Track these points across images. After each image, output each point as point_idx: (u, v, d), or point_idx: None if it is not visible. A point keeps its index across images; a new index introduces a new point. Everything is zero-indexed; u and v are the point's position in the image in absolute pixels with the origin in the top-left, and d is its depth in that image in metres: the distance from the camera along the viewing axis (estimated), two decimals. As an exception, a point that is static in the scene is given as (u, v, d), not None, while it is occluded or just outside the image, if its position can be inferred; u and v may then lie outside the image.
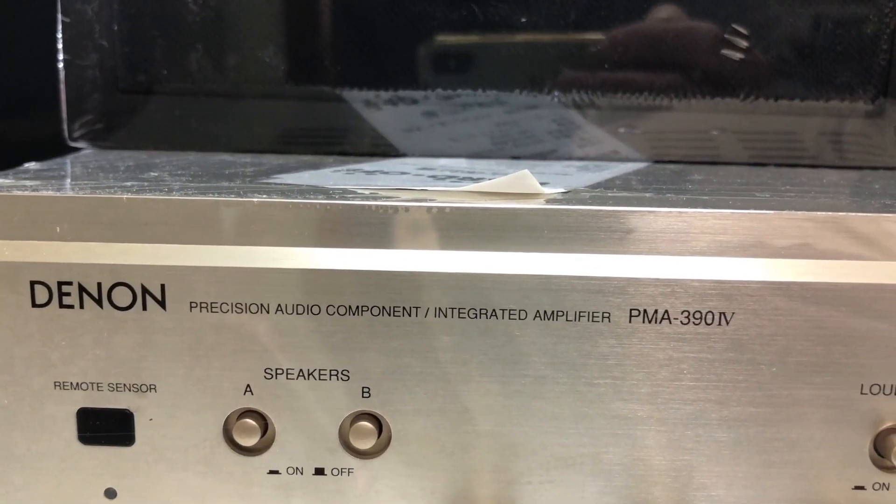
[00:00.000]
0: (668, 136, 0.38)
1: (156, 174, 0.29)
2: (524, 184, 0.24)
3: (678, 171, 0.34)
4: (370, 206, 0.23)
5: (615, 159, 0.37)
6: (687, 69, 0.37)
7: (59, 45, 0.36)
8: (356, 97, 0.38)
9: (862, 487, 0.24)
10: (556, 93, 0.37)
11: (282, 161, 0.34)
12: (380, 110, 0.39)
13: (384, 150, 0.38)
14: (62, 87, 0.37)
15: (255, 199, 0.23)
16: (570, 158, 0.37)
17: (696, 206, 0.23)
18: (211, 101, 0.37)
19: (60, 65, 0.36)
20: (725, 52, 0.36)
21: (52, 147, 0.37)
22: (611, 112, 0.38)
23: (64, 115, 0.37)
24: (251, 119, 0.37)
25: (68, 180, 0.28)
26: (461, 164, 0.35)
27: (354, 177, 0.29)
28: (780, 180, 0.31)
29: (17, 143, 0.39)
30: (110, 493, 0.25)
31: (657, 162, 0.37)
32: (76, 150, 0.37)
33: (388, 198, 0.24)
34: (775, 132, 0.37)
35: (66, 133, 0.37)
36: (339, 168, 0.32)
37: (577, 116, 0.38)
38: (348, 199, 0.23)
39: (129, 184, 0.26)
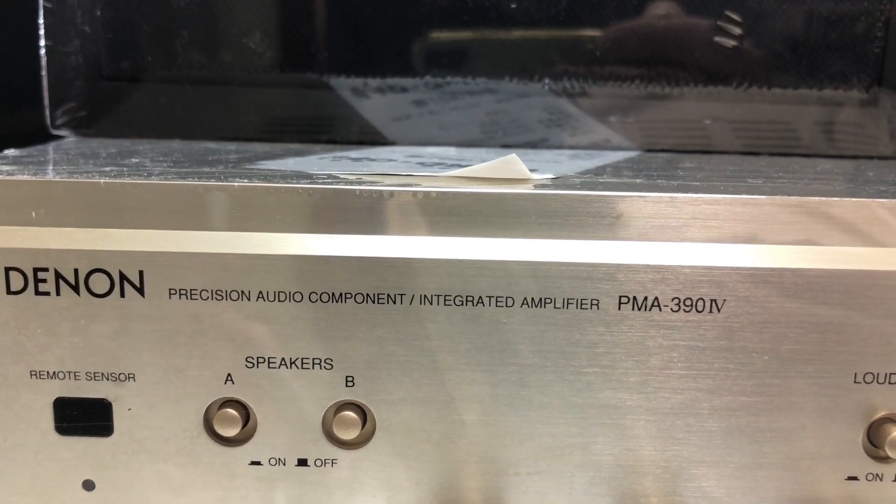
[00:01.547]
0: (660, 125, 0.37)
1: (137, 160, 0.28)
2: (512, 168, 0.24)
3: (669, 160, 0.33)
4: (355, 190, 0.23)
5: (607, 148, 0.37)
6: (679, 57, 0.36)
7: (41, 31, 0.35)
8: (344, 85, 0.37)
9: (855, 478, 0.24)
10: (546, 81, 0.36)
11: (267, 149, 0.34)
12: (368, 98, 0.38)
13: (372, 138, 0.37)
14: (44, 73, 0.36)
15: (236, 184, 0.23)
16: (560, 147, 0.37)
17: (686, 192, 0.23)
18: (196, 89, 0.37)
19: (42, 51, 0.36)
20: (718, 39, 0.36)
21: (34, 135, 0.36)
22: (602, 101, 0.37)
23: (46, 102, 0.36)
24: (237, 107, 0.37)
25: (48, 166, 0.27)
26: (450, 151, 0.34)
27: (340, 163, 0.29)
28: (773, 168, 0.31)
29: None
30: (88, 485, 0.24)
31: (649, 151, 0.37)
32: (59, 137, 0.37)
33: (373, 183, 0.23)
34: (768, 121, 0.37)
35: (48, 121, 0.36)
36: (325, 155, 0.31)
37: (568, 105, 0.37)
38: (333, 184, 0.23)
39: (107, 169, 0.25)
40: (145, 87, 0.36)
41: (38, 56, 0.36)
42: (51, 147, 0.33)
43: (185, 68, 0.36)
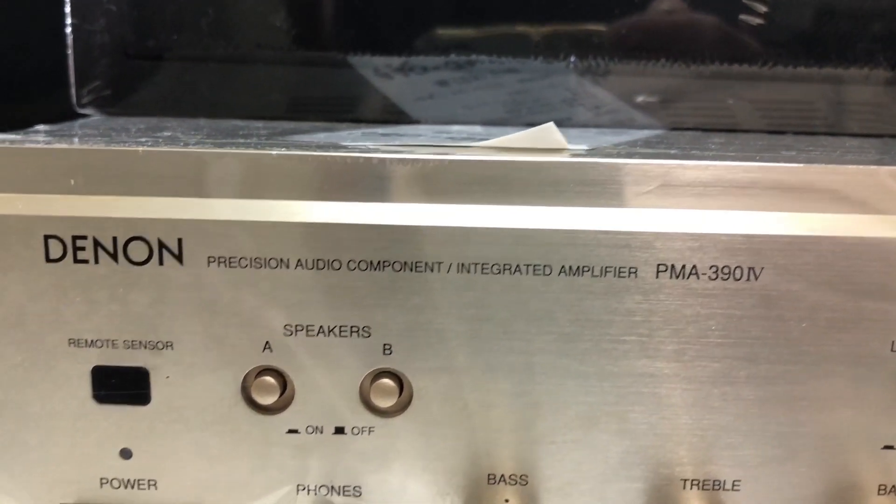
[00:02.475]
0: (685, 104, 0.37)
1: (169, 134, 0.28)
2: (549, 138, 0.24)
3: (697, 136, 0.33)
4: (393, 159, 0.23)
5: (632, 127, 0.37)
6: (704, 36, 0.36)
7: (67, 10, 0.36)
8: (367, 63, 0.37)
9: (891, 447, 0.24)
10: (571, 60, 0.36)
11: (293, 126, 0.34)
12: (391, 80, 0.38)
13: (396, 117, 0.37)
14: (70, 52, 0.36)
15: (273, 152, 0.23)
16: (585, 126, 0.37)
17: (724, 160, 0.23)
18: (221, 68, 0.37)
19: (68, 30, 0.36)
20: (743, 17, 0.36)
21: (59, 114, 0.36)
22: (627, 80, 0.37)
23: (72, 81, 0.36)
24: (262, 86, 0.37)
25: (77, 139, 0.28)
26: (476, 129, 0.34)
27: (371, 138, 0.29)
28: (803, 143, 0.31)
29: (24, 110, 0.38)
30: (125, 454, 0.24)
31: (674, 129, 0.37)
32: (84, 116, 0.37)
33: (409, 152, 0.23)
34: (793, 100, 0.37)
35: (73, 100, 0.37)
36: (354, 131, 0.31)
37: (592, 85, 0.37)
38: (369, 154, 0.23)
39: (143, 139, 0.25)
40: (170, 65, 0.36)
41: (63, 35, 0.36)
42: (77, 124, 0.33)
43: (210, 47, 0.36)
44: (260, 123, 0.34)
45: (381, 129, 0.32)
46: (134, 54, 0.36)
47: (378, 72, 0.38)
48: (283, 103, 0.37)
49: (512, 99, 0.38)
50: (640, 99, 0.37)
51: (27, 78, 0.39)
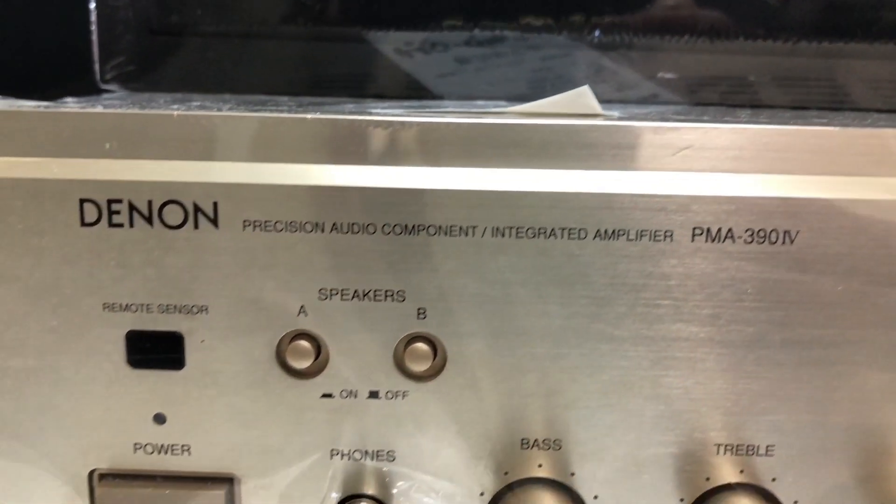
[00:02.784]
0: (708, 79, 0.37)
1: (198, 104, 0.28)
2: (583, 102, 0.24)
3: (724, 110, 0.33)
4: (426, 123, 0.23)
5: (655, 103, 0.37)
6: (727, 11, 0.36)
7: (91, -15, 0.36)
8: (388, 39, 0.37)
9: (925, 412, 0.24)
10: (595, 36, 0.36)
11: (319, 100, 0.34)
12: (412, 57, 0.38)
13: (419, 94, 0.37)
14: (94, 28, 0.36)
15: (308, 116, 0.23)
16: (609, 102, 0.37)
17: (758, 124, 0.23)
18: (244, 43, 0.37)
19: (92, 5, 0.36)
20: (768, -8, 0.36)
21: (83, 91, 0.36)
22: (649, 56, 0.37)
23: (96, 57, 0.36)
24: (284, 62, 0.37)
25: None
26: (501, 104, 0.34)
27: (399, 109, 0.29)
28: (830, 116, 0.31)
29: (48, 86, 0.38)
30: (159, 419, 0.24)
31: (697, 105, 0.37)
32: (107, 92, 0.37)
33: (444, 116, 0.23)
34: (816, 76, 0.37)
35: (97, 76, 0.37)
36: (381, 104, 0.32)
37: (613, 61, 0.37)
38: (404, 118, 0.23)
39: (175, 107, 0.25)
40: (194, 41, 0.36)
41: (87, 10, 0.36)
42: (102, 98, 0.33)
43: (234, 23, 0.36)
44: (285, 97, 0.34)
45: (407, 103, 0.32)
46: (157, 30, 0.36)
47: (399, 50, 0.38)
48: (306, 80, 0.37)
49: (535, 76, 0.38)
50: (662, 75, 0.37)
51: (51, 54, 0.39)
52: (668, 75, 0.37)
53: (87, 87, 0.36)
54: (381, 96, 0.37)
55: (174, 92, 0.36)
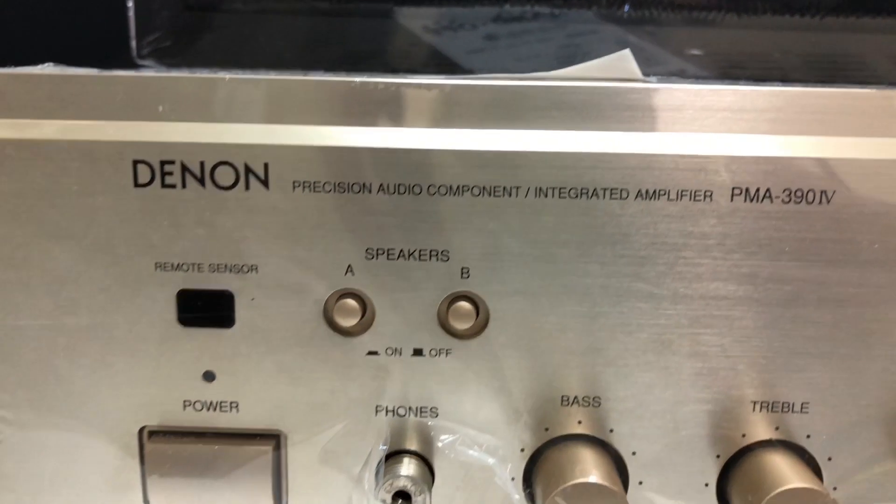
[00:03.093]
0: (734, 56, 0.38)
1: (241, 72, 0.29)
2: (623, 66, 0.24)
3: (752, 84, 0.34)
4: (472, 86, 0.23)
5: (682, 78, 0.37)
6: (755, -13, 0.37)
7: (128, -38, 0.36)
8: (415, 15, 0.37)
9: (958, 369, 0.24)
10: (624, 10, 0.37)
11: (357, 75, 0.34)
12: (440, 36, 0.39)
13: (450, 69, 0.38)
14: (130, 3, 0.37)
15: (357, 79, 0.23)
16: (637, 77, 0.37)
17: (796, 86, 0.23)
18: (279, 19, 0.37)
19: (129, -19, 0.36)
20: (795, -33, 0.36)
21: (119, 66, 0.36)
22: (677, 32, 0.37)
23: (132, 32, 0.37)
24: (319, 38, 0.37)
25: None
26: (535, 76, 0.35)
27: (440, 77, 0.29)
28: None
29: (85, 62, 0.39)
30: (209, 376, 0.25)
31: (724, 80, 0.37)
32: (144, 68, 0.37)
33: (487, 80, 0.24)
34: (844, 52, 0.37)
35: (133, 51, 0.37)
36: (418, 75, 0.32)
37: (640, 37, 0.38)
38: (447, 81, 0.24)
39: (221, 73, 0.26)
40: (229, 17, 0.37)
41: (124, -14, 0.36)
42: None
43: (268, -1, 0.37)
44: (319, 73, 0.35)
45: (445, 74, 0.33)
46: (193, 6, 0.37)
47: (427, 28, 0.38)
48: (337, 56, 0.38)
49: (563, 52, 0.39)
50: (689, 51, 0.37)
51: (87, 31, 0.40)
52: (695, 51, 0.38)
53: (123, 64, 0.37)
54: (412, 72, 0.37)
55: (208, 67, 0.37)
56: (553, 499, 0.23)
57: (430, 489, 0.25)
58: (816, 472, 0.25)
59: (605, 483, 0.23)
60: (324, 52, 0.38)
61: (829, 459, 0.25)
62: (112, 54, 0.38)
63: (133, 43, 0.37)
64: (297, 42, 0.37)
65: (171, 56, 0.38)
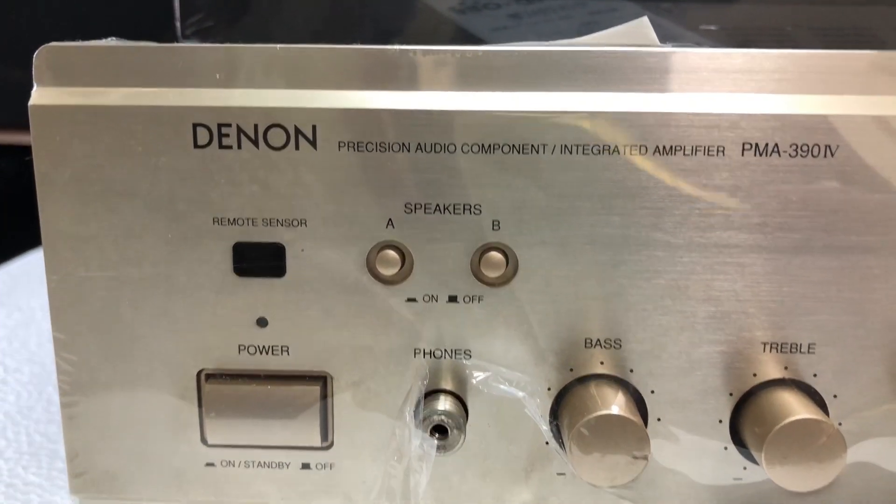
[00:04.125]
0: (748, 30, 0.39)
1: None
2: (641, 33, 0.26)
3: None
4: (502, 52, 0.25)
5: (698, 51, 0.39)
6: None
7: (173, -55, 0.38)
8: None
9: (955, 311, 0.26)
10: (641, -12, 0.39)
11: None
12: (464, 15, 0.41)
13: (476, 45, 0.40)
14: (175, -14, 0.39)
15: (395, 47, 0.26)
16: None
17: (801, 49, 0.25)
18: (313, 1, 0.39)
19: (173, -36, 0.39)
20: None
21: (164, 46, 0.39)
22: (692, 7, 0.39)
23: (177, 13, 0.39)
24: (353, 16, 0.40)
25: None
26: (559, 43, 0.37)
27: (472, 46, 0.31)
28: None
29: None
30: (262, 322, 0.27)
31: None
32: (188, 47, 0.40)
33: (515, 46, 0.26)
34: (854, 25, 0.39)
35: (178, 31, 0.39)
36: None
37: (658, 14, 0.39)
38: (478, 48, 0.26)
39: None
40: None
41: (169, -31, 0.39)
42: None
43: (304, -19, 0.39)
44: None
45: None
46: (234, -12, 0.39)
47: (453, 8, 0.40)
48: (369, 34, 0.40)
49: (583, 29, 0.40)
50: (706, 27, 0.39)
51: (133, 12, 0.42)
52: (711, 27, 0.39)
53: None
54: (439, 48, 0.39)
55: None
56: (578, 430, 0.25)
57: (464, 424, 0.27)
58: (823, 408, 0.27)
59: (627, 415, 0.25)
60: (356, 32, 0.40)
61: (835, 397, 0.27)
62: (158, 36, 0.41)
63: (178, 24, 0.39)
64: (330, 22, 0.39)
65: (213, 36, 0.40)
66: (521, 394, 0.26)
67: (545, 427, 0.27)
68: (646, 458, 0.25)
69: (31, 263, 0.70)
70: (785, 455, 0.25)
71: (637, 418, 0.25)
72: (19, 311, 0.60)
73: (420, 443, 0.26)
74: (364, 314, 0.27)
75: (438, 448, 0.26)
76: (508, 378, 0.27)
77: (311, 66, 0.26)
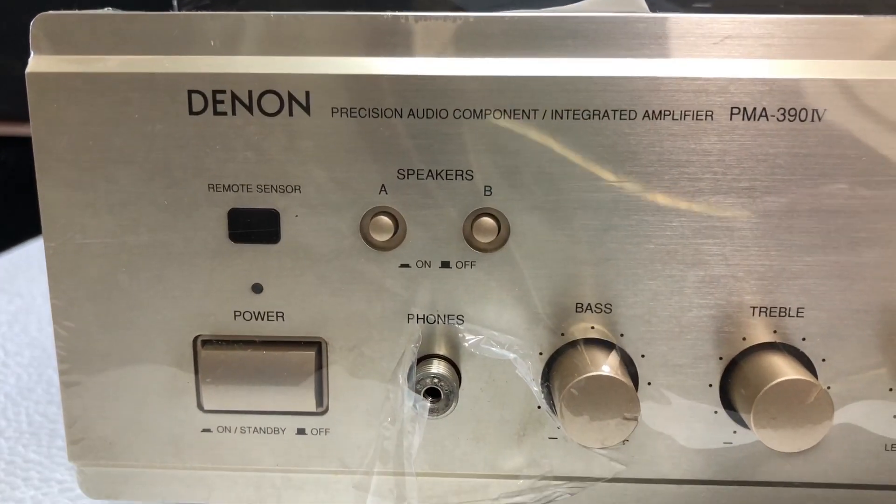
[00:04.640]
0: (741, 8, 0.39)
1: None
2: (631, 1, 0.27)
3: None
4: (493, 17, 0.26)
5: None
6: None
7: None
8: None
9: (941, 275, 0.26)
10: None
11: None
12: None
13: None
14: (172, -35, 0.39)
15: (388, 14, 0.26)
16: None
17: (789, 15, 0.26)
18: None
19: (170, -57, 0.39)
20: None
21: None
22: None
23: (174, -8, 0.40)
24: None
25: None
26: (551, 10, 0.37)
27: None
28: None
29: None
30: (257, 288, 0.28)
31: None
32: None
33: (505, 11, 0.26)
34: (847, 3, 0.39)
35: (175, 9, 0.40)
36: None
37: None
38: (474, 14, 0.26)
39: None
40: (263, -23, 0.40)
41: (166, -51, 0.39)
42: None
43: (300, -40, 0.39)
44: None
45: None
46: (231, -33, 0.39)
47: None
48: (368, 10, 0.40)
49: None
50: (698, 4, 0.40)
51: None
52: (703, 4, 0.40)
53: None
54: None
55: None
56: (568, 391, 0.25)
57: (457, 388, 0.27)
58: (812, 372, 0.27)
59: (616, 376, 0.25)
60: (352, 9, 0.40)
61: (824, 360, 0.27)
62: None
63: (175, 3, 0.40)
64: (328, 1, 0.40)
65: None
66: (511, 355, 0.27)
67: (536, 388, 0.27)
68: (636, 419, 0.25)
69: (32, 252, 0.71)
70: (773, 416, 0.25)
71: (627, 380, 0.26)
72: (20, 297, 0.60)
73: (413, 404, 0.27)
74: (358, 280, 0.27)
75: (431, 410, 0.27)
76: (500, 341, 0.27)
77: (305, 32, 0.26)
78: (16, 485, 0.35)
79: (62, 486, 0.35)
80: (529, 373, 0.27)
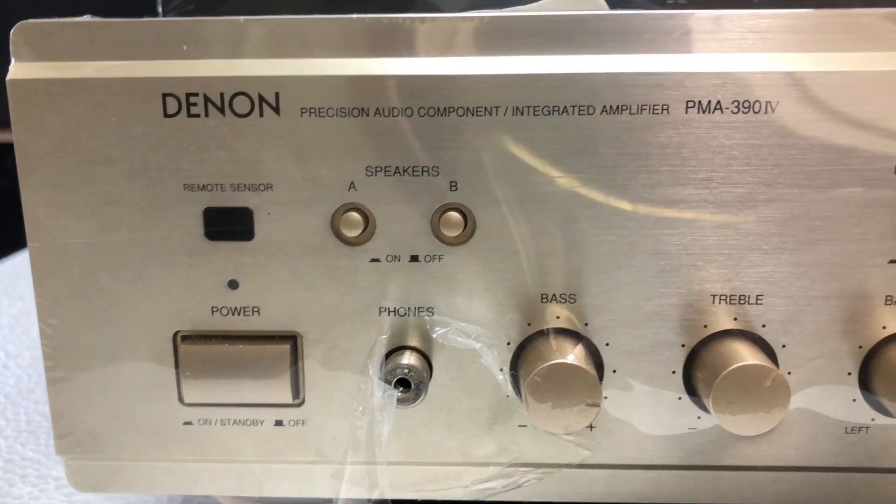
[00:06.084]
0: (714, 4, 0.40)
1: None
2: (592, 1, 0.27)
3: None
4: (457, 18, 0.27)
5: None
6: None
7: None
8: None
9: (896, 261, 0.27)
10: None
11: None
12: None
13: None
14: (156, -29, 0.40)
15: (354, 17, 0.27)
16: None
17: (740, 10, 0.26)
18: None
19: (154, -50, 0.40)
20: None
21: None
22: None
23: (158, -1, 0.41)
24: (333, 4, 0.41)
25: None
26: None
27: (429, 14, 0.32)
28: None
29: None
30: (233, 284, 0.28)
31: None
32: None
33: (469, 12, 0.27)
34: (826, 4, 0.40)
35: (160, 13, 0.41)
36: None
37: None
38: (439, 15, 0.27)
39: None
40: (246, -18, 0.41)
41: (150, -46, 0.40)
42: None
43: (281, -36, 0.40)
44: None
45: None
46: (213, -27, 0.40)
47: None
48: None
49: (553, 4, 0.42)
50: (673, 1, 0.40)
51: None
52: (676, 1, 0.40)
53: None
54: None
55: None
56: (532, 378, 0.26)
57: (428, 379, 0.28)
58: (772, 358, 0.28)
59: (578, 363, 0.26)
60: (331, 12, 0.41)
61: (784, 347, 0.28)
62: (137, 16, 0.42)
63: (159, 8, 0.41)
64: (309, 8, 0.41)
65: (194, 17, 0.41)
66: (477, 345, 0.27)
67: (500, 377, 0.28)
68: (598, 405, 0.26)
69: (33, 256, 0.72)
70: (731, 401, 0.26)
71: (590, 367, 0.26)
72: (22, 300, 0.62)
73: (382, 393, 0.27)
74: (330, 275, 0.28)
75: (400, 400, 0.28)
76: (466, 331, 0.28)
77: (273, 35, 0.27)
78: (13, 482, 0.36)
79: (58, 482, 0.36)
80: (495, 361, 0.28)
